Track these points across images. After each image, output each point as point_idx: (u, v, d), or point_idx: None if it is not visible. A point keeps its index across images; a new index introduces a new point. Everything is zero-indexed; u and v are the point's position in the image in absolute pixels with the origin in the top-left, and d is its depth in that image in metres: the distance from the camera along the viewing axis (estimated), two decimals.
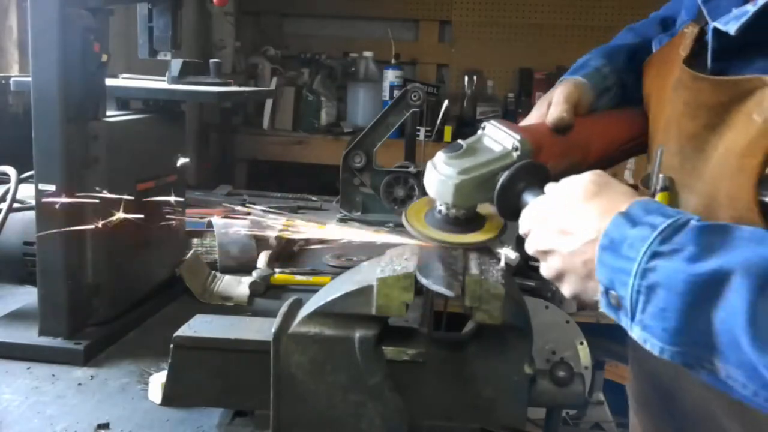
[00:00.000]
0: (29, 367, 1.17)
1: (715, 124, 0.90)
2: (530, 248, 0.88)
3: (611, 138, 1.16)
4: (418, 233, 0.98)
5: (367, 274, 0.88)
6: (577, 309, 3.06)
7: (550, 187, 0.90)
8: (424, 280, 0.83)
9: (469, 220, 1.00)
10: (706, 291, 0.68)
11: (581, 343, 2.99)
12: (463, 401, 0.90)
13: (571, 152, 1.09)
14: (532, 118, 1.15)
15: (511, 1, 3.83)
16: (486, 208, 1.02)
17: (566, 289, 0.85)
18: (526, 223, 0.90)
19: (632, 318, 0.74)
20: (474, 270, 0.87)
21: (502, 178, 0.95)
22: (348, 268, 1.00)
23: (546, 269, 0.86)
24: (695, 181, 0.93)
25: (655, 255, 0.71)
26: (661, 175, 0.99)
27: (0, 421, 1.00)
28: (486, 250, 0.97)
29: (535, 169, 0.96)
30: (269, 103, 3.65)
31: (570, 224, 0.81)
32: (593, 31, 3.61)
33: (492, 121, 1.04)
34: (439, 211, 1.00)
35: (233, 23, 3.62)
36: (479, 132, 1.05)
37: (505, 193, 0.95)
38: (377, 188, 2.17)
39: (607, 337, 3.03)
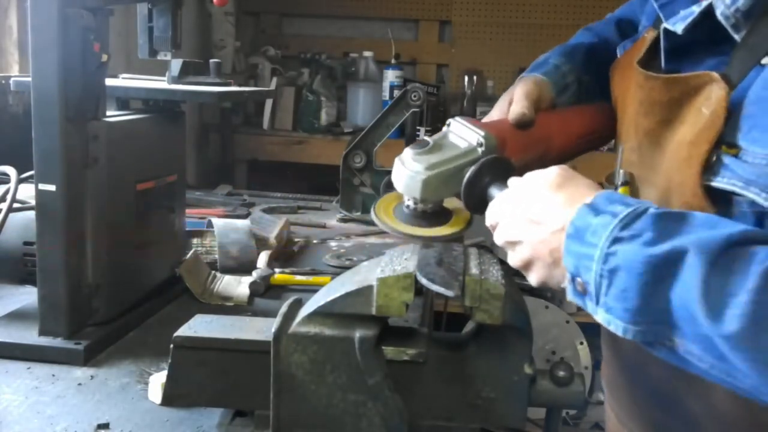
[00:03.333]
0: (29, 367, 1.17)
1: (669, 120, 0.95)
2: (498, 239, 0.92)
3: (571, 132, 1.20)
4: (388, 227, 1.03)
5: (367, 274, 0.88)
6: (577, 309, 3.06)
7: (514, 180, 0.94)
8: (424, 280, 0.83)
9: (436, 214, 1.04)
10: (662, 270, 0.72)
11: (581, 343, 3.00)
12: (463, 401, 0.90)
13: (534, 146, 1.13)
14: (494, 115, 1.18)
15: (511, 1, 3.83)
16: (452, 202, 1.06)
17: (533, 278, 0.88)
18: (492, 215, 0.93)
19: (597, 302, 0.78)
20: (474, 270, 0.87)
21: (468, 172, 0.99)
22: (348, 268, 1.00)
23: (514, 259, 0.90)
24: (653, 175, 0.97)
25: (615, 240, 0.76)
26: (621, 171, 1.04)
27: (0, 421, 1.00)
28: (486, 250, 0.97)
29: (500, 164, 1.00)
30: (269, 103, 3.65)
31: (537, 214, 0.85)
32: None
33: (457, 118, 1.07)
34: (407, 206, 1.04)
35: (233, 23, 3.62)
36: (444, 129, 1.08)
37: (471, 187, 0.99)
38: (377, 188, 2.17)
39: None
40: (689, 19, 0.91)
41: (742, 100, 0.84)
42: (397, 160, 1.04)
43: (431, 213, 1.04)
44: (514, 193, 0.92)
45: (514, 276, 0.93)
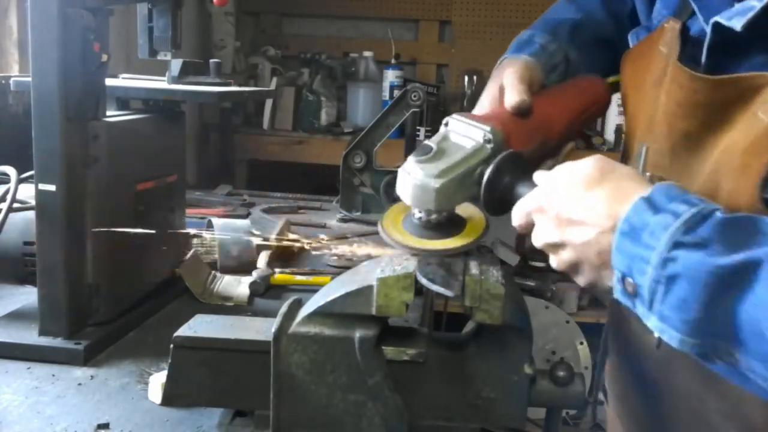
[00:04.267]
0: (29, 367, 1.17)
1: (713, 123, 0.89)
2: (537, 242, 0.85)
3: (569, 112, 1.13)
4: (400, 245, 0.93)
5: (367, 274, 0.88)
6: (577, 309, 3.06)
7: (541, 176, 0.87)
8: (423, 280, 0.83)
9: (450, 223, 0.96)
10: (730, 282, 0.67)
11: (581, 343, 2.99)
12: (463, 401, 0.90)
13: (536, 133, 1.06)
14: (484, 104, 1.12)
15: (511, 1, 3.83)
16: (463, 208, 0.98)
17: (581, 280, 0.84)
18: (523, 216, 0.87)
19: (649, 307, 0.73)
20: (474, 270, 0.87)
21: (487, 173, 0.91)
22: (348, 268, 0.99)
23: (558, 262, 0.84)
24: (688, 181, 0.91)
25: (677, 245, 0.70)
26: (648, 174, 0.98)
27: (0, 421, 1.00)
28: (486, 250, 0.97)
29: (517, 159, 0.93)
30: (269, 103, 3.65)
31: (579, 214, 0.79)
32: None
33: (454, 116, 1.00)
34: (419, 218, 0.95)
35: (233, 23, 3.62)
36: (443, 129, 1.00)
37: (491, 188, 0.91)
38: (377, 188, 2.16)
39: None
40: (750, 15, 0.83)
41: None
42: (401, 171, 0.95)
43: (445, 222, 0.95)
44: (547, 191, 0.84)
45: (513, 276, 0.93)
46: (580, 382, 0.91)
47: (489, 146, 0.95)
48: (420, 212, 0.95)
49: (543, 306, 2.95)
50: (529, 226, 0.87)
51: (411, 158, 0.95)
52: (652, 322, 0.74)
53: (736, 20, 0.84)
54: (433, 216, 0.94)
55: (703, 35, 0.91)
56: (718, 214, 0.72)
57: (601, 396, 1.34)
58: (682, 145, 0.93)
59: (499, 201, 0.92)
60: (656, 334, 0.74)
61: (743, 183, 0.82)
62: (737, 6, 0.86)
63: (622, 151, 1.19)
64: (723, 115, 0.87)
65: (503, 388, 0.89)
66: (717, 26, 0.87)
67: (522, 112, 1.04)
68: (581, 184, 0.81)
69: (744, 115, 0.84)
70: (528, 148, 1.01)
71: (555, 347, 2.98)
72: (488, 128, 0.95)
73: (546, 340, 2.96)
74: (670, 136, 0.95)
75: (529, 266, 2.98)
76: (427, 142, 0.96)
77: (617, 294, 0.78)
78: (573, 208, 0.80)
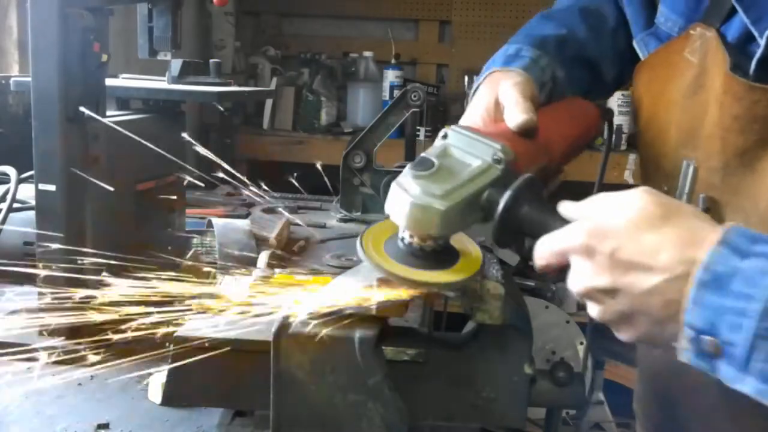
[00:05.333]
0: (29, 367, 1.17)
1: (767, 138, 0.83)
2: (578, 286, 0.74)
3: (566, 134, 1.03)
4: (380, 269, 0.81)
5: (367, 274, 0.88)
6: (577, 309, 3.06)
7: (574, 208, 0.76)
8: None
9: (444, 253, 0.83)
10: None
11: (581, 343, 2.99)
12: (463, 401, 0.90)
13: (541, 155, 0.96)
14: (476, 119, 0.99)
15: (511, 1, 3.83)
16: (456, 238, 0.86)
17: (632, 333, 0.73)
18: (554, 255, 0.76)
19: (744, 368, 0.65)
20: None
21: (504, 201, 0.78)
22: (348, 268, 0.99)
23: (604, 312, 0.73)
24: (742, 200, 0.86)
25: None
26: (702, 195, 0.89)
27: (0, 421, 1.00)
28: (486, 249, 0.96)
29: (535, 186, 0.80)
30: (269, 103, 3.65)
31: (641, 257, 0.68)
32: None
33: (453, 128, 0.87)
34: (409, 244, 0.82)
35: (233, 23, 3.62)
36: (441, 141, 0.86)
37: (507, 217, 0.78)
38: (377, 188, 2.17)
39: (607, 337, 3.04)
40: None
41: None
42: (394, 186, 0.81)
43: (439, 251, 0.82)
44: (592, 227, 0.72)
45: (513, 276, 0.92)
46: (580, 382, 0.91)
47: (499, 167, 0.82)
48: (411, 237, 0.82)
49: (543, 306, 2.95)
50: (561, 267, 0.76)
51: (408, 172, 0.82)
52: (748, 384, 0.65)
53: None
54: (429, 243, 0.81)
55: (744, 42, 0.86)
56: None
57: (600, 396, 1.31)
58: (737, 162, 0.87)
59: (512, 233, 0.80)
60: (758, 397, 0.66)
61: None
62: None
63: (640, 162, 1.11)
64: None
65: (503, 388, 0.89)
66: None
67: (529, 132, 0.93)
68: (641, 221, 0.70)
69: None
70: (532, 171, 0.86)
71: (555, 347, 2.98)
72: (499, 146, 0.82)
73: (546, 340, 2.96)
74: (724, 152, 0.88)
75: (529, 266, 2.98)
76: (425, 155, 0.84)
77: (690, 355, 0.68)
78: (634, 249, 0.69)
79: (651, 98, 1.03)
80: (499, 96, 0.97)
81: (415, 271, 0.81)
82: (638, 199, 0.71)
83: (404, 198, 0.80)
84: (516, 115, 0.93)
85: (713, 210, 0.88)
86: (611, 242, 0.70)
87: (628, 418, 1.36)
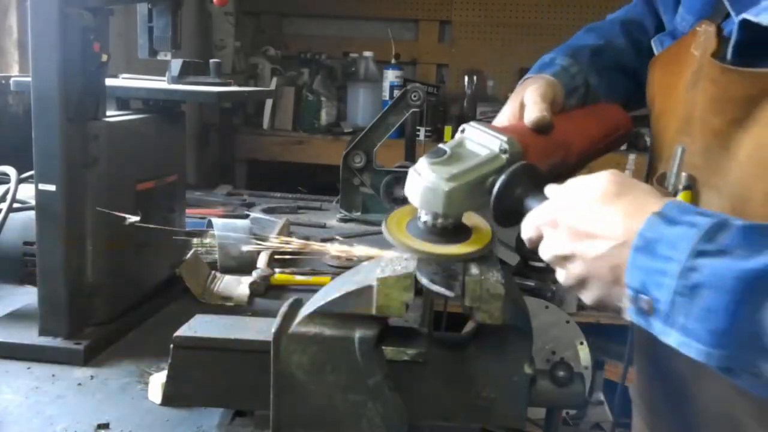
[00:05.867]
0: (29, 367, 1.17)
1: (741, 119, 0.88)
2: (545, 254, 0.84)
3: (589, 135, 1.13)
4: (402, 244, 0.91)
5: (367, 274, 0.88)
6: (577, 309, 3.06)
7: (554, 189, 0.86)
8: (424, 280, 0.83)
9: (456, 230, 0.94)
10: (757, 289, 0.66)
11: (581, 343, 2.99)
12: (463, 401, 0.90)
13: (554, 152, 1.06)
14: (503, 119, 1.12)
15: (511, 1, 3.83)
16: (470, 217, 0.97)
17: (588, 296, 0.81)
18: (533, 228, 0.86)
19: (669, 322, 0.71)
20: (474, 270, 0.87)
21: (498, 182, 0.90)
22: (348, 268, 0.99)
23: (565, 276, 0.82)
24: (719, 180, 0.90)
25: (699, 254, 0.69)
26: (683, 174, 0.96)
27: (0, 421, 1.00)
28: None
29: (532, 171, 0.91)
30: (269, 103, 3.65)
31: (593, 227, 0.78)
32: None
33: (472, 123, 0.99)
34: (425, 222, 0.93)
35: (233, 23, 3.62)
36: (459, 135, 0.99)
37: (502, 198, 0.90)
38: (377, 188, 2.17)
39: (607, 337, 3.04)
40: None
41: None
42: (411, 171, 0.94)
43: (451, 229, 0.93)
44: (559, 203, 0.83)
45: (513, 276, 0.93)
46: (580, 382, 0.91)
47: (504, 156, 0.94)
48: (426, 215, 0.93)
49: (543, 306, 2.95)
50: (539, 240, 0.85)
51: (423, 159, 0.93)
52: (673, 337, 0.72)
53: (764, 16, 0.84)
54: (440, 221, 0.92)
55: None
56: (738, 222, 0.71)
57: (600, 396, 1.33)
58: (714, 143, 0.92)
59: (508, 212, 0.91)
60: (682, 350, 0.72)
61: None
62: (765, 2, 0.85)
63: (649, 154, 1.17)
64: (750, 111, 0.87)
65: (503, 388, 0.89)
66: (745, 23, 0.87)
67: (541, 128, 1.03)
68: (597, 198, 0.79)
69: None
70: (543, 164, 0.98)
71: (555, 347, 2.98)
72: (505, 138, 0.94)
73: (546, 340, 2.96)
74: (704, 134, 0.94)
75: (529, 266, 2.98)
76: (441, 145, 0.96)
77: (630, 313, 0.76)
78: (588, 221, 0.78)
79: (663, 93, 1.07)
80: (524, 98, 1.08)
81: (434, 245, 0.91)
82: (600, 179, 0.81)
83: (418, 181, 0.92)
84: (531, 113, 1.04)
85: (693, 188, 0.94)
86: (572, 215, 0.80)
87: (628, 418, 1.36)
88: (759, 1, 0.87)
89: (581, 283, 0.81)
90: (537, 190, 0.89)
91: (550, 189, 0.87)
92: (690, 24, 1.05)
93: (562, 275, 0.83)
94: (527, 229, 0.87)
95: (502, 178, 0.90)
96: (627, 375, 1.29)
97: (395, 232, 0.94)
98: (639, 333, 1.21)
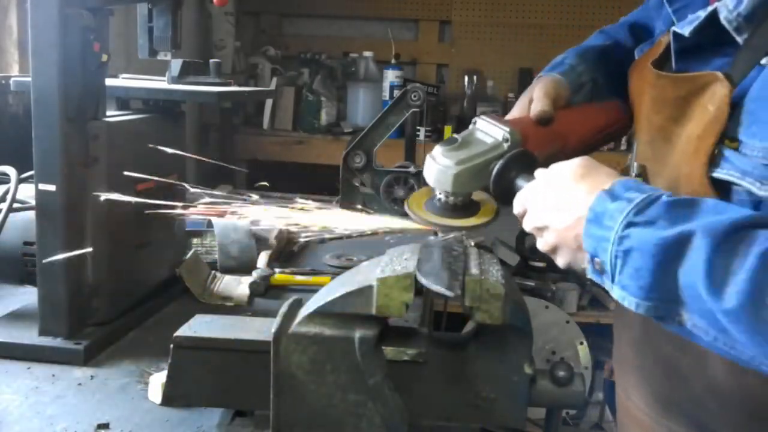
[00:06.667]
0: (29, 367, 1.17)
1: (678, 116, 1.01)
2: (527, 226, 0.99)
3: (589, 127, 1.27)
4: (420, 219, 1.10)
5: (367, 274, 0.88)
6: (577, 309, 3.06)
7: (540, 171, 1.00)
8: (424, 280, 0.83)
9: (465, 206, 1.11)
10: (672, 251, 0.79)
11: (581, 343, 2.99)
12: (463, 401, 0.90)
13: (554, 141, 1.20)
14: (515, 113, 1.26)
15: (511, 1, 3.83)
16: (480, 195, 1.13)
17: (560, 260, 0.95)
18: (520, 204, 1.00)
19: (612, 280, 0.85)
20: (474, 270, 0.87)
21: (497, 165, 1.06)
22: (348, 268, 1.00)
23: (542, 244, 0.97)
24: (662, 167, 1.04)
25: (630, 224, 0.83)
26: (635, 164, 1.09)
27: (0, 421, 1.00)
28: (486, 249, 0.98)
29: (526, 157, 1.07)
30: (269, 103, 3.65)
31: (563, 202, 0.92)
32: (593, 32, 3.60)
33: (482, 117, 1.15)
34: (439, 199, 1.11)
35: (233, 23, 3.62)
36: (471, 126, 1.15)
37: (499, 179, 1.06)
38: (377, 188, 2.16)
39: (607, 337, 3.04)
40: (696, 23, 0.99)
41: (743, 97, 0.91)
42: (428, 157, 1.11)
43: (461, 205, 1.11)
44: (540, 183, 0.98)
45: (513, 276, 0.94)
46: (580, 382, 0.91)
47: (506, 144, 1.09)
48: (440, 194, 1.11)
49: (543, 306, 2.95)
50: (525, 214, 0.99)
51: (438, 146, 1.11)
52: (615, 291, 0.85)
53: (686, 28, 1.00)
54: (451, 198, 1.10)
55: None
56: (665, 198, 0.84)
57: (600, 396, 1.37)
58: (658, 137, 1.06)
59: (504, 190, 1.06)
60: (621, 302, 0.85)
61: (695, 165, 0.95)
62: (690, 16, 1.01)
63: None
64: (684, 110, 1.00)
65: (503, 388, 0.89)
66: (675, 34, 1.03)
67: (543, 120, 1.18)
68: (568, 177, 0.94)
69: (698, 108, 0.97)
70: (544, 152, 1.13)
71: (555, 347, 2.98)
72: (508, 129, 1.10)
73: (546, 340, 2.96)
74: (649, 129, 1.09)
75: (529, 266, 2.98)
76: (454, 135, 1.12)
77: (590, 273, 0.89)
78: (558, 197, 0.93)
79: (635, 97, 1.18)
80: (533, 94, 1.23)
81: (445, 219, 1.11)
82: (571, 164, 0.95)
83: (432, 164, 1.10)
84: (534, 107, 1.20)
85: (643, 176, 1.06)
86: (546, 193, 0.96)
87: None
88: (689, 15, 1.02)
89: (553, 249, 0.95)
90: (528, 173, 1.03)
91: (538, 172, 1.01)
92: (662, 34, 1.16)
93: (540, 243, 0.97)
94: (516, 205, 1.02)
95: (500, 162, 1.06)
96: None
97: (414, 208, 1.13)
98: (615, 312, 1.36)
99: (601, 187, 0.89)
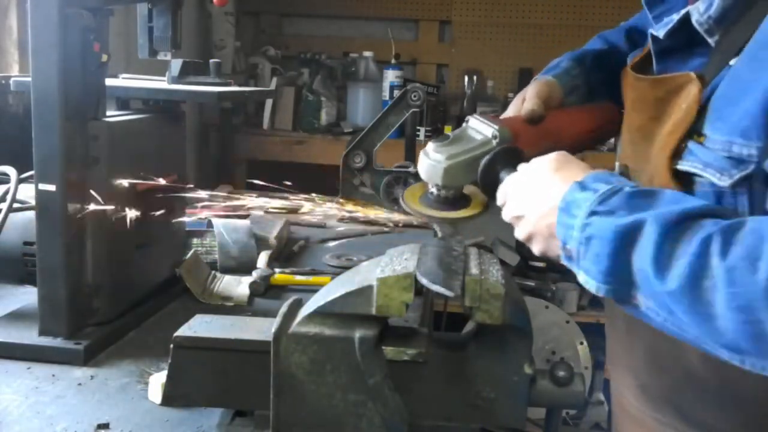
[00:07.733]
0: (29, 367, 1.17)
1: (658, 116, 1.05)
2: (506, 215, 1.04)
3: (580, 127, 1.32)
4: (414, 211, 1.17)
5: (367, 274, 0.88)
6: (577, 309, 3.06)
7: (522, 166, 1.05)
8: (424, 280, 0.83)
9: (457, 199, 1.18)
10: (627, 238, 0.84)
11: (581, 343, 2.99)
12: (463, 401, 0.90)
13: (545, 139, 1.23)
14: (509, 113, 1.31)
15: (511, 1, 3.83)
16: (471, 189, 1.19)
17: (535, 248, 0.99)
18: (502, 195, 1.06)
19: (578, 265, 0.90)
20: (474, 270, 0.87)
21: (484, 161, 1.11)
22: (348, 268, 1.00)
23: (519, 232, 1.01)
24: (644, 165, 1.07)
25: (592, 213, 0.88)
26: (617, 163, 1.16)
27: (0, 421, 1.00)
28: (486, 249, 0.98)
29: (512, 153, 1.11)
30: (269, 103, 3.65)
31: (538, 193, 0.97)
32: (593, 31, 3.53)
33: (475, 116, 1.21)
34: (432, 193, 1.17)
35: (233, 23, 3.62)
36: (463, 125, 1.22)
37: (486, 173, 1.11)
38: (377, 188, 2.16)
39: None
40: (669, 26, 1.04)
41: (712, 95, 0.97)
42: (421, 153, 1.17)
43: (453, 198, 1.17)
44: (520, 176, 1.03)
45: (513, 276, 0.94)
46: (580, 382, 0.91)
47: (495, 141, 1.15)
48: (432, 188, 1.17)
49: (543, 306, 2.95)
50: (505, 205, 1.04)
51: (430, 143, 1.16)
52: (581, 276, 0.90)
53: (660, 31, 1.06)
54: (443, 192, 1.16)
55: None
56: (627, 189, 0.89)
57: (600, 396, 1.40)
58: (638, 136, 1.10)
59: (491, 184, 1.10)
60: (585, 285, 0.90)
61: (661, 158, 1.00)
62: (665, 19, 1.06)
63: None
64: (662, 109, 1.04)
65: (503, 388, 0.89)
66: (653, 37, 1.08)
67: (533, 119, 1.24)
68: (545, 170, 0.99)
69: (674, 107, 1.01)
70: (534, 150, 1.15)
71: (555, 347, 2.98)
72: (497, 127, 1.15)
73: (546, 340, 2.96)
74: (630, 129, 1.14)
75: (529, 266, 2.98)
76: (447, 133, 1.19)
77: (563, 259, 0.94)
78: (533, 188, 0.99)
79: (626, 100, 1.21)
80: (526, 95, 1.28)
81: (438, 211, 1.17)
82: (548, 158, 1.01)
83: (424, 159, 1.16)
84: (525, 107, 1.25)
85: (626, 174, 1.11)
86: (524, 184, 1.01)
87: None
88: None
89: (529, 237, 0.99)
90: (512, 167, 1.08)
91: (520, 166, 1.06)
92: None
93: (517, 232, 1.02)
94: (499, 196, 1.07)
95: (486, 158, 1.11)
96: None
97: (410, 201, 1.20)
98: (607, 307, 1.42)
99: (574, 178, 0.94)
